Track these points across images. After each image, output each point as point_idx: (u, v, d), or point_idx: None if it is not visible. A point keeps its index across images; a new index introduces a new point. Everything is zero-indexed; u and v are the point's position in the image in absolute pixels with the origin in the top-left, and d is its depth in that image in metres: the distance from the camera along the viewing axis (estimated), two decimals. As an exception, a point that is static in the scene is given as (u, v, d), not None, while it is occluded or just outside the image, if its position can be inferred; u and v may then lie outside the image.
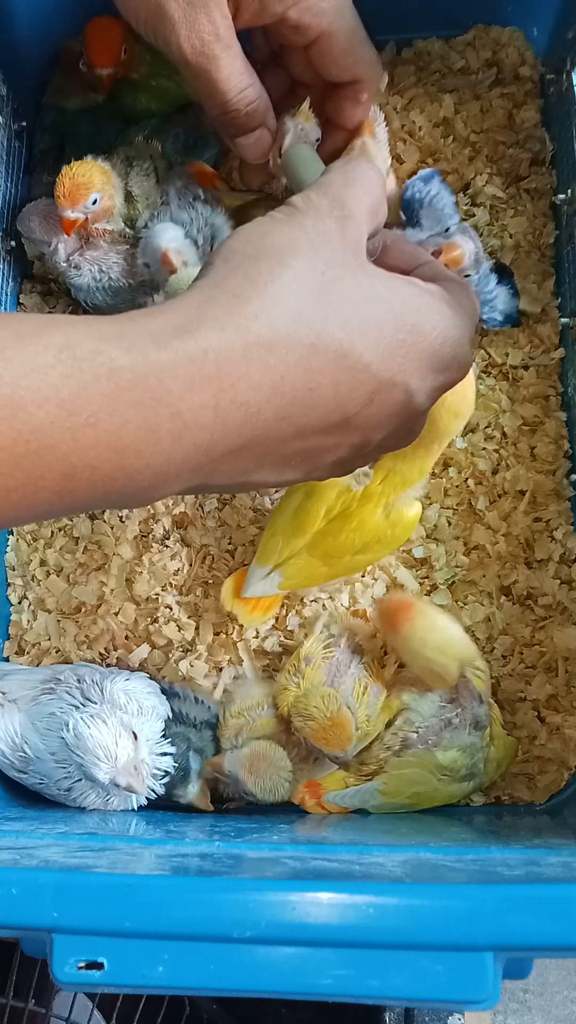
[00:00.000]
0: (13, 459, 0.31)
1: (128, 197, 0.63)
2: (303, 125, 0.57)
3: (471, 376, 0.52)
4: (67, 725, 0.52)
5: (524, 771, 0.59)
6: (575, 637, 0.59)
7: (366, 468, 0.55)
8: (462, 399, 0.53)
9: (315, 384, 0.35)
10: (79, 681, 0.56)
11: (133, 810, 0.55)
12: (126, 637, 0.63)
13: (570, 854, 0.44)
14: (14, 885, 0.35)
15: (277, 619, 0.62)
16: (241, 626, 0.62)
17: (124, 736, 0.51)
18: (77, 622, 0.63)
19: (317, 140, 0.59)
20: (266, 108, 0.55)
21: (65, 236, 0.62)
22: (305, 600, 0.62)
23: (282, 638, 0.62)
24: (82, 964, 0.34)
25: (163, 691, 0.59)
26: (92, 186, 0.59)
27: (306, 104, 0.58)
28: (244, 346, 0.34)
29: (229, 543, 0.64)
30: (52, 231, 0.62)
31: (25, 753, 0.55)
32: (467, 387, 0.53)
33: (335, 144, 0.61)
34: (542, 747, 0.59)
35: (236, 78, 0.52)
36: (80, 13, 0.65)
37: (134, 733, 0.52)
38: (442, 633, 0.54)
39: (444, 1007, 0.58)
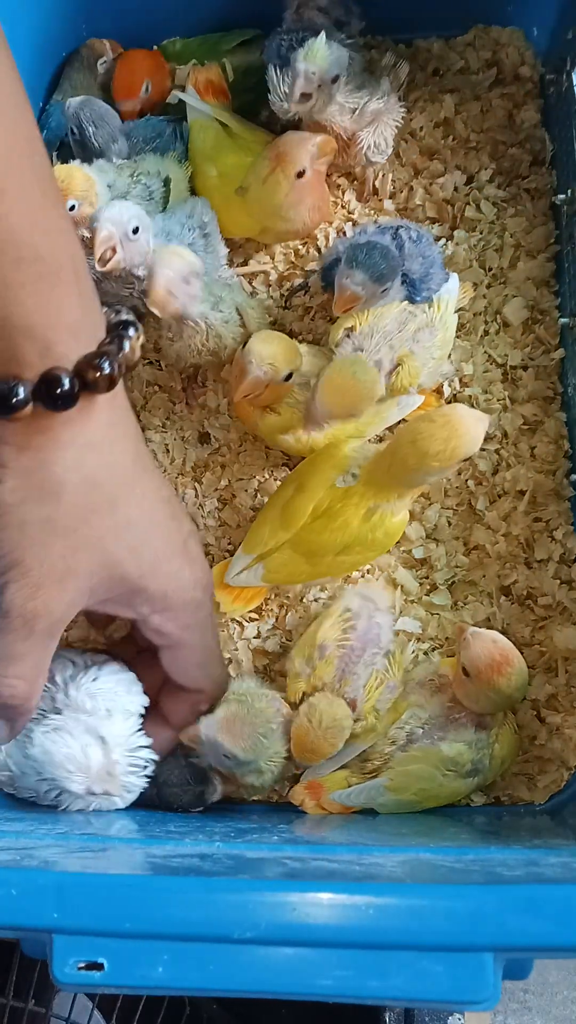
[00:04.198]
0: None
1: None
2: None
3: (457, 419, 0.50)
4: (32, 742, 0.51)
5: (524, 771, 0.59)
6: (575, 637, 0.59)
7: (354, 468, 0.55)
8: (428, 438, 0.50)
9: None
10: (49, 682, 0.53)
11: (120, 810, 0.55)
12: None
13: (570, 854, 0.44)
14: (14, 886, 0.35)
15: (277, 619, 0.62)
16: (241, 625, 0.62)
17: (92, 744, 0.50)
18: (77, 621, 0.63)
19: None
20: (23, 710, 0.48)
21: None
22: (305, 600, 0.62)
23: (283, 639, 0.62)
24: (82, 965, 0.34)
25: None
26: (70, 191, 0.58)
27: None
28: None
29: (229, 543, 0.64)
30: None
31: (11, 771, 0.53)
32: (438, 428, 0.50)
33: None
34: (542, 747, 0.59)
35: (19, 664, 0.46)
36: (81, 18, 0.65)
37: (102, 737, 0.51)
38: (524, 674, 0.54)
39: (444, 1008, 0.58)
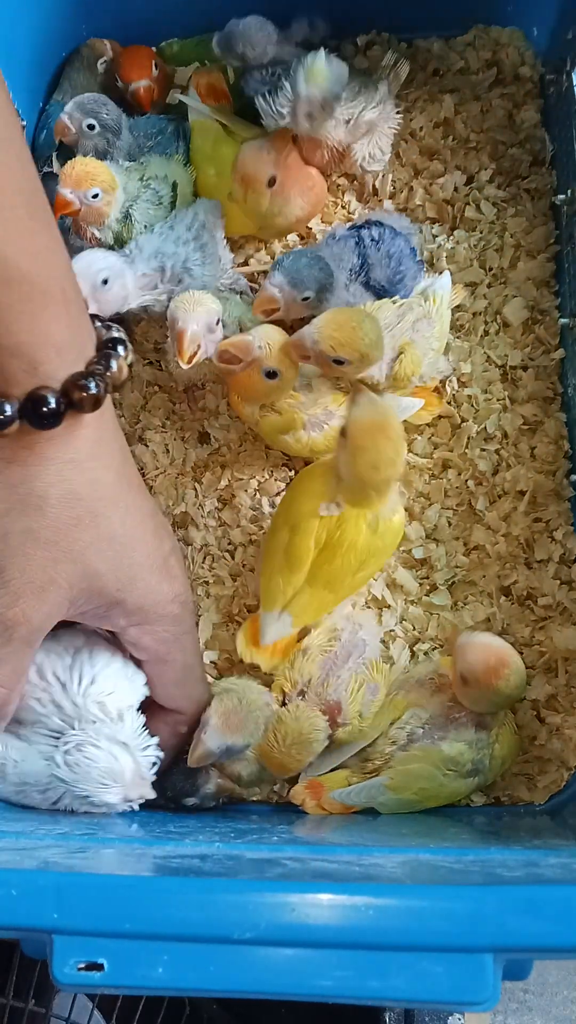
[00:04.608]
0: None
1: (126, 217, 0.63)
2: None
3: (384, 423, 0.50)
4: (55, 762, 0.49)
5: (524, 771, 0.59)
6: (575, 637, 0.59)
7: (339, 499, 0.54)
8: (376, 453, 0.50)
9: None
10: (40, 678, 0.51)
11: (131, 811, 0.54)
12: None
13: (570, 855, 0.44)
14: (14, 886, 0.35)
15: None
16: (239, 623, 0.62)
17: (119, 751, 0.50)
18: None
19: None
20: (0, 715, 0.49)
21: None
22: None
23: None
24: (82, 965, 0.34)
25: None
26: (98, 181, 0.60)
27: None
28: None
29: (229, 543, 0.64)
30: None
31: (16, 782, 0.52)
32: (382, 442, 0.50)
33: None
34: (542, 747, 0.59)
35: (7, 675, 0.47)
36: (81, 18, 0.65)
37: (124, 743, 0.50)
38: (522, 674, 0.54)
39: (444, 1008, 0.58)
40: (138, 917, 0.34)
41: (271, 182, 0.60)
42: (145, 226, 0.63)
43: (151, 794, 0.51)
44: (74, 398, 0.42)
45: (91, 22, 0.70)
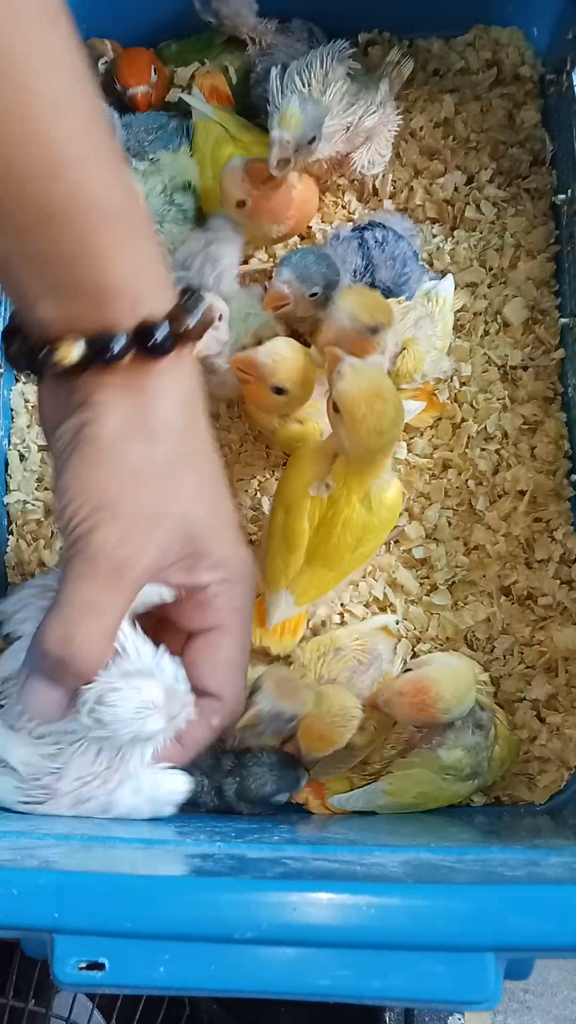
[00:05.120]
0: None
1: None
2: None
3: (377, 387, 0.50)
4: (85, 723, 0.45)
5: (524, 771, 0.59)
6: (575, 637, 0.59)
7: (328, 479, 0.54)
8: (379, 417, 0.50)
9: None
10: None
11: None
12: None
13: (571, 854, 0.44)
14: (15, 885, 0.35)
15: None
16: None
17: (138, 680, 0.45)
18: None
19: None
20: (85, 678, 0.44)
21: None
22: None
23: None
24: (83, 965, 0.34)
25: None
26: None
27: None
28: None
29: (229, 543, 0.64)
30: None
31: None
32: (381, 404, 0.50)
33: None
34: (542, 747, 0.59)
35: (100, 619, 0.43)
36: (81, 18, 0.65)
37: (138, 671, 0.45)
38: (463, 690, 0.52)
39: (445, 1008, 0.58)
40: (139, 916, 0.34)
41: (240, 204, 0.61)
42: (171, 244, 0.63)
43: (189, 698, 0.47)
44: (180, 328, 0.42)
45: (91, 22, 0.70)
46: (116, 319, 0.41)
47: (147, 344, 0.41)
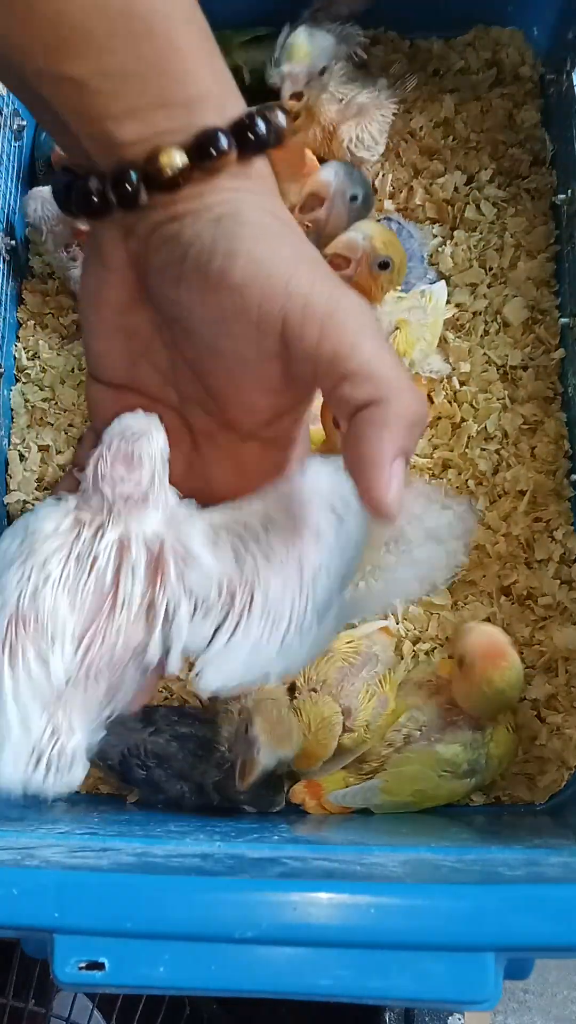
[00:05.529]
0: None
1: None
2: None
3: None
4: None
5: (524, 771, 0.59)
6: (575, 637, 0.59)
7: None
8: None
9: None
10: None
11: (120, 810, 0.52)
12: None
13: (570, 854, 0.44)
14: (15, 885, 0.35)
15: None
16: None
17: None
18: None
19: None
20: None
21: (56, 228, 0.63)
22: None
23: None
24: (83, 964, 0.34)
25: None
26: None
27: None
28: None
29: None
30: (46, 221, 0.63)
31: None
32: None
33: None
34: (542, 747, 0.59)
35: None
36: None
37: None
38: (519, 672, 0.54)
39: (445, 1007, 0.58)
40: (139, 916, 0.34)
41: None
42: None
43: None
44: (273, 125, 0.41)
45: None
46: (211, 123, 0.40)
47: (247, 139, 0.40)
